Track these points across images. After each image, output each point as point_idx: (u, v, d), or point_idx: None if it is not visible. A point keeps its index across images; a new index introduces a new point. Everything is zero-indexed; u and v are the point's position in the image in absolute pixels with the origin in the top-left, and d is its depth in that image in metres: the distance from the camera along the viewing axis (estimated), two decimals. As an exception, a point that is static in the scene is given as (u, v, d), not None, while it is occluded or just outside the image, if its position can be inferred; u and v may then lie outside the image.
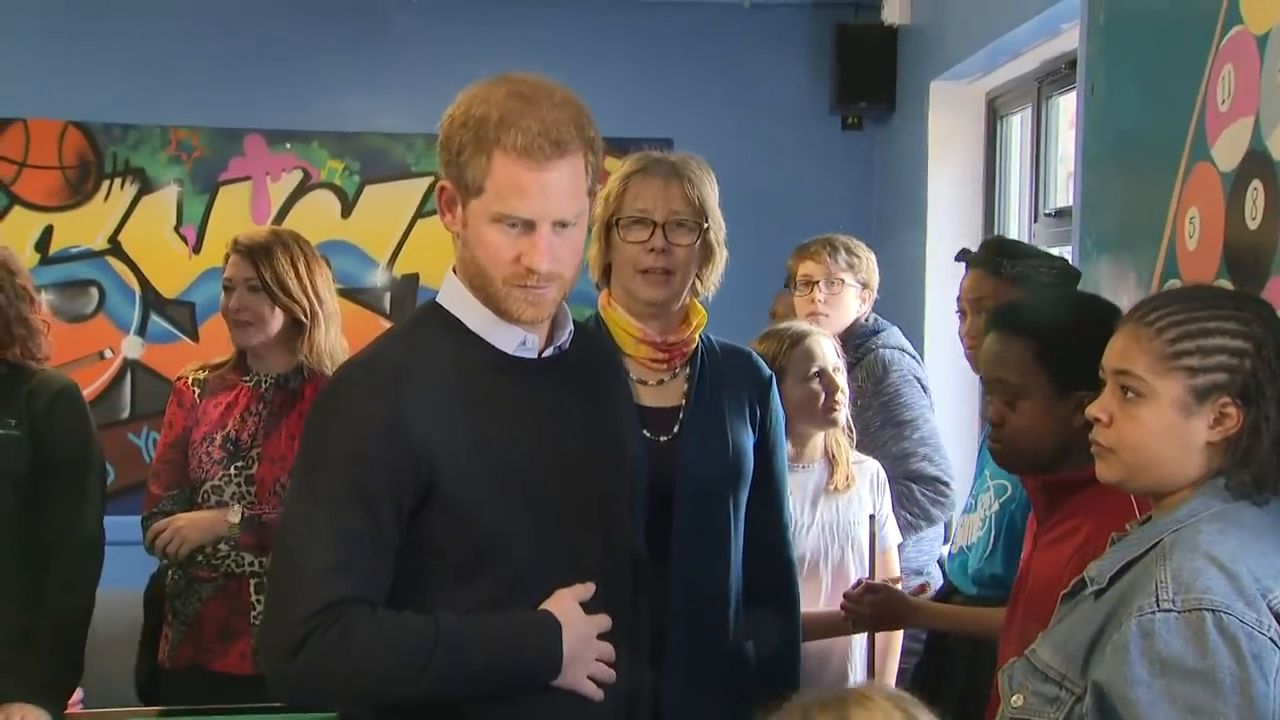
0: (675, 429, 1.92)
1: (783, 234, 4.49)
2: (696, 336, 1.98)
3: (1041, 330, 1.82)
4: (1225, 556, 1.33)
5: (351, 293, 4.52)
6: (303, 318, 2.41)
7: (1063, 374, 1.77)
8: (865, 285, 3.09)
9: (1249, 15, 1.93)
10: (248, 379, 2.44)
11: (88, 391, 2.78)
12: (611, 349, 1.72)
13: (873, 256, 3.13)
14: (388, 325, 4.44)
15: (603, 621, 1.48)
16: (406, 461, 1.41)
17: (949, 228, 3.91)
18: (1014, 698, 1.42)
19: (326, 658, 1.37)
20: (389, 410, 1.42)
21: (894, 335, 3.12)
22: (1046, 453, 1.81)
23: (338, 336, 2.46)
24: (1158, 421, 1.41)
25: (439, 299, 1.53)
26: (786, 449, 2.11)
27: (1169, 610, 1.31)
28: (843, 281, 3.06)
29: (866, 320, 3.10)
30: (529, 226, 1.43)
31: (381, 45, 4.52)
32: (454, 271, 1.54)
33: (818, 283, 3.05)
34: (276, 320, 2.40)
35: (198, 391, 2.44)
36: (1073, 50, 2.85)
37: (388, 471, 1.41)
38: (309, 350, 2.41)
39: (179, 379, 2.49)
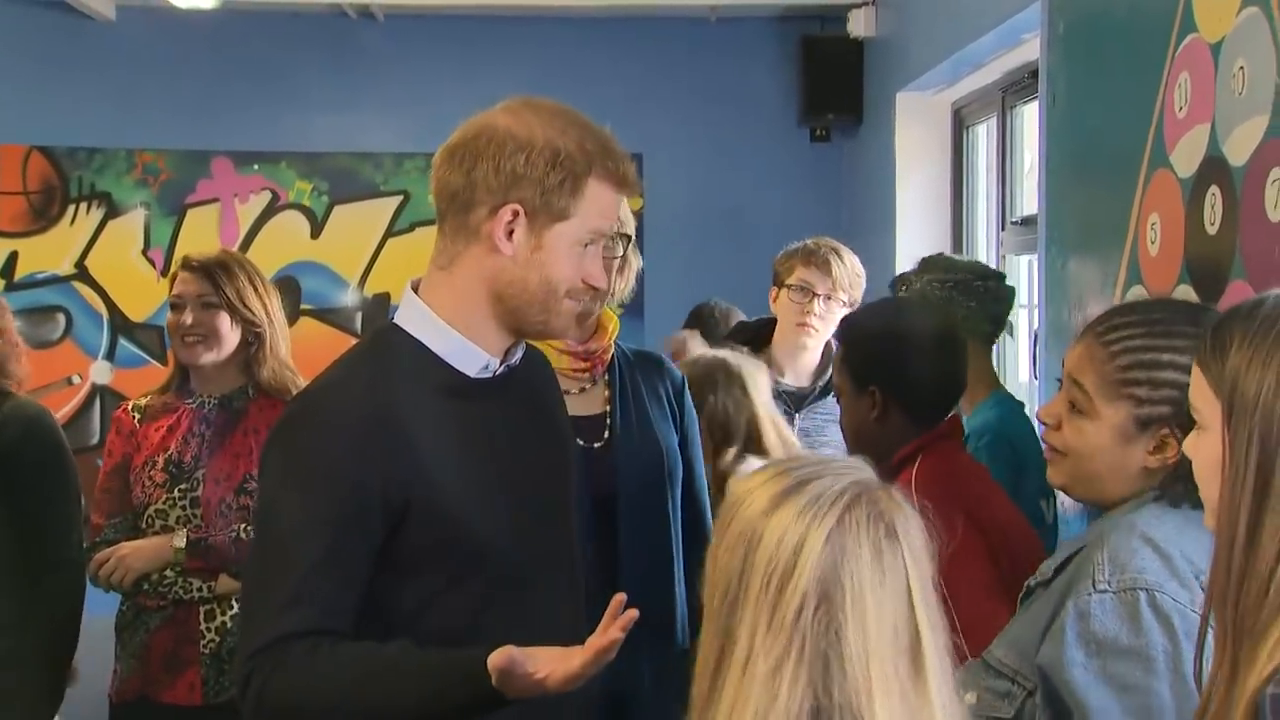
0: (605, 435, 1.95)
1: (753, 245, 4.51)
2: (613, 343, 2.01)
3: (846, 334, 2.05)
4: (1160, 538, 1.34)
5: (322, 313, 4.51)
6: (263, 332, 2.41)
7: (857, 372, 1.97)
8: (853, 306, 2.84)
9: (1203, 23, 1.95)
10: (190, 401, 2.42)
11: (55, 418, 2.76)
12: (543, 357, 1.74)
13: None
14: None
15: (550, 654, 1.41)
16: (377, 482, 1.41)
17: (917, 237, 3.93)
18: (967, 696, 1.43)
19: (265, 695, 1.39)
20: (362, 433, 1.42)
21: None
22: (859, 449, 1.97)
23: (288, 355, 2.46)
24: (1097, 439, 1.43)
25: (399, 321, 1.53)
26: None
27: (1105, 591, 1.33)
28: (842, 302, 2.81)
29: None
30: (594, 245, 1.51)
31: (349, 66, 4.51)
32: (414, 291, 1.54)
33: (818, 295, 2.80)
34: (232, 338, 2.39)
35: (138, 418, 2.43)
36: (1035, 60, 2.87)
37: (359, 493, 1.41)
38: (269, 365, 2.39)
39: (119, 408, 2.49)
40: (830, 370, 2.87)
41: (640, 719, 1.91)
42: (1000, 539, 1.83)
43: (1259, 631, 1.06)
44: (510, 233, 1.47)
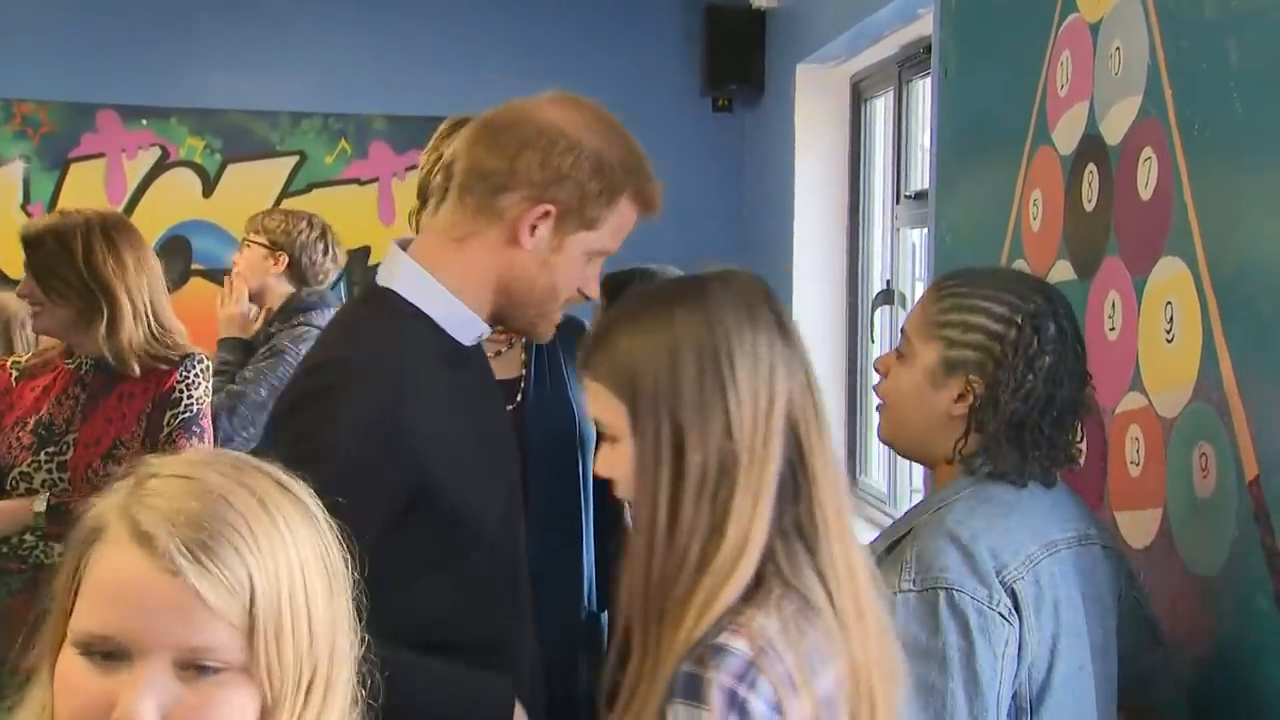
0: (519, 398, 1.95)
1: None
2: None
3: None
4: (966, 535, 1.38)
5: (213, 274, 4.40)
6: (87, 307, 2.30)
7: None
8: (276, 245, 3.12)
9: (1083, 3, 1.99)
10: (70, 361, 2.37)
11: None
12: None
13: (303, 224, 3.14)
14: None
15: None
16: (397, 468, 1.39)
17: (816, 209, 3.97)
18: None
19: None
20: (389, 413, 1.39)
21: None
22: None
23: (152, 327, 2.34)
24: (910, 382, 1.48)
25: (394, 286, 1.49)
26: None
27: (908, 591, 1.37)
28: (248, 241, 3.15)
29: (310, 296, 3.12)
30: (599, 259, 1.52)
31: (245, 19, 4.39)
32: (404, 253, 1.49)
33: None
34: (61, 310, 2.31)
35: (15, 375, 2.36)
36: (929, 35, 2.90)
37: (382, 474, 1.39)
38: (116, 340, 2.29)
39: None
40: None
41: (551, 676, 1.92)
42: None
43: (677, 603, 1.10)
44: (533, 229, 1.45)
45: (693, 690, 1.05)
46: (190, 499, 0.86)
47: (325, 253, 3.17)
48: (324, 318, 3.05)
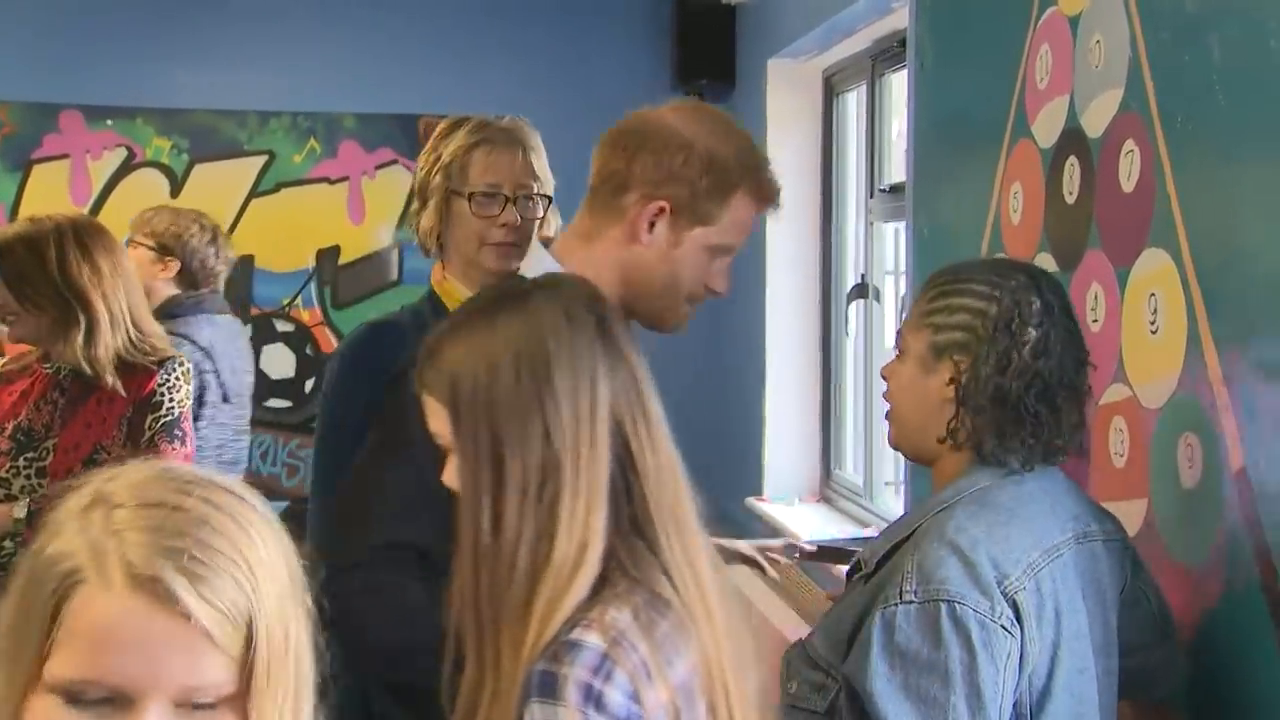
0: None
1: (627, 211, 4.50)
2: None
3: None
4: (966, 544, 1.37)
5: (181, 276, 4.35)
6: (57, 317, 2.27)
7: None
8: (166, 250, 2.98)
9: (1063, -4, 2.00)
10: (48, 366, 2.33)
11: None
12: None
13: (194, 226, 3.02)
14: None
15: None
16: None
17: (788, 205, 3.91)
18: (789, 684, 1.46)
19: (376, 591, 1.39)
20: None
21: (199, 325, 2.95)
22: None
23: (129, 333, 2.30)
24: (905, 376, 1.49)
25: (529, 276, 1.56)
26: None
27: (910, 602, 1.36)
28: (135, 242, 2.97)
29: (189, 299, 3.00)
30: (724, 256, 1.59)
31: (210, 18, 4.33)
32: (544, 249, 1.61)
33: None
34: (33, 319, 2.28)
35: None
36: (904, 28, 2.91)
37: None
38: (80, 354, 2.25)
39: None
40: None
41: None
42: None
43: (514, 611, 1.10)
44: (652, 225, 1.55)
45: (548, 688, 1.06)
46: (178, 535, 0.82)
47: (217, 256, 3.04)
48: (191, 325, 2.91)
